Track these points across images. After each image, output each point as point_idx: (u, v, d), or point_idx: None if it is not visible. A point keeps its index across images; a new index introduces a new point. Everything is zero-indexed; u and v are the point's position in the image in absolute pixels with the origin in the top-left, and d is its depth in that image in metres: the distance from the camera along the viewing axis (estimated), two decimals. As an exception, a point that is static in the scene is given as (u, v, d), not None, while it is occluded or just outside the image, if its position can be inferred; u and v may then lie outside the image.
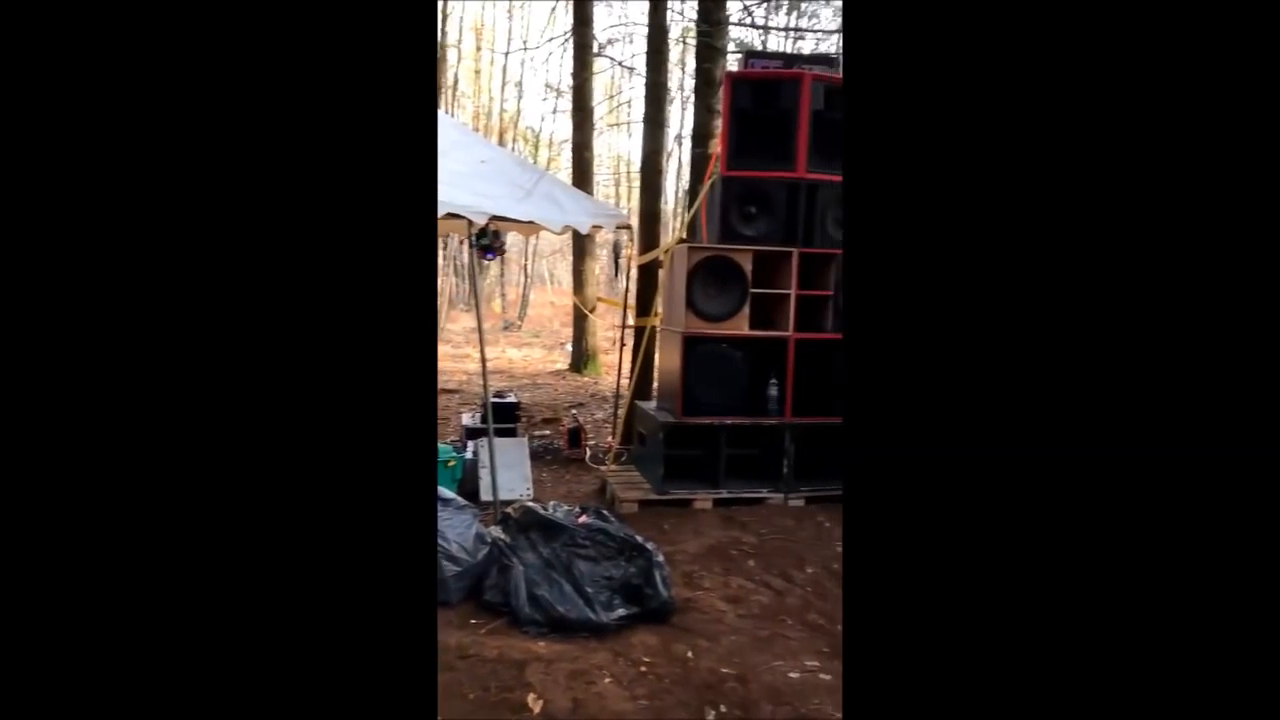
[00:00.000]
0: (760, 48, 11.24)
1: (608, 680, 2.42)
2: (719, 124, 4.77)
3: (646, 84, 5.33)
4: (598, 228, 5.37)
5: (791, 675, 2.51)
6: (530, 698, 2.28)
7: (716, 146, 4.49)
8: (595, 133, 10.04)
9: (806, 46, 13.05)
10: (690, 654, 2.62)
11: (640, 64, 5.38)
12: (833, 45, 13.30)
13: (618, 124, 18.72)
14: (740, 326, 4.31)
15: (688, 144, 6.70)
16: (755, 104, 4.43)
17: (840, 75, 4.55)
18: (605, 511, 3.37)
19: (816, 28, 11.53)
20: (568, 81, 10.83)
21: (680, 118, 14.90)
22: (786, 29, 11.37)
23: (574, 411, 6.84)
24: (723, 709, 2.28)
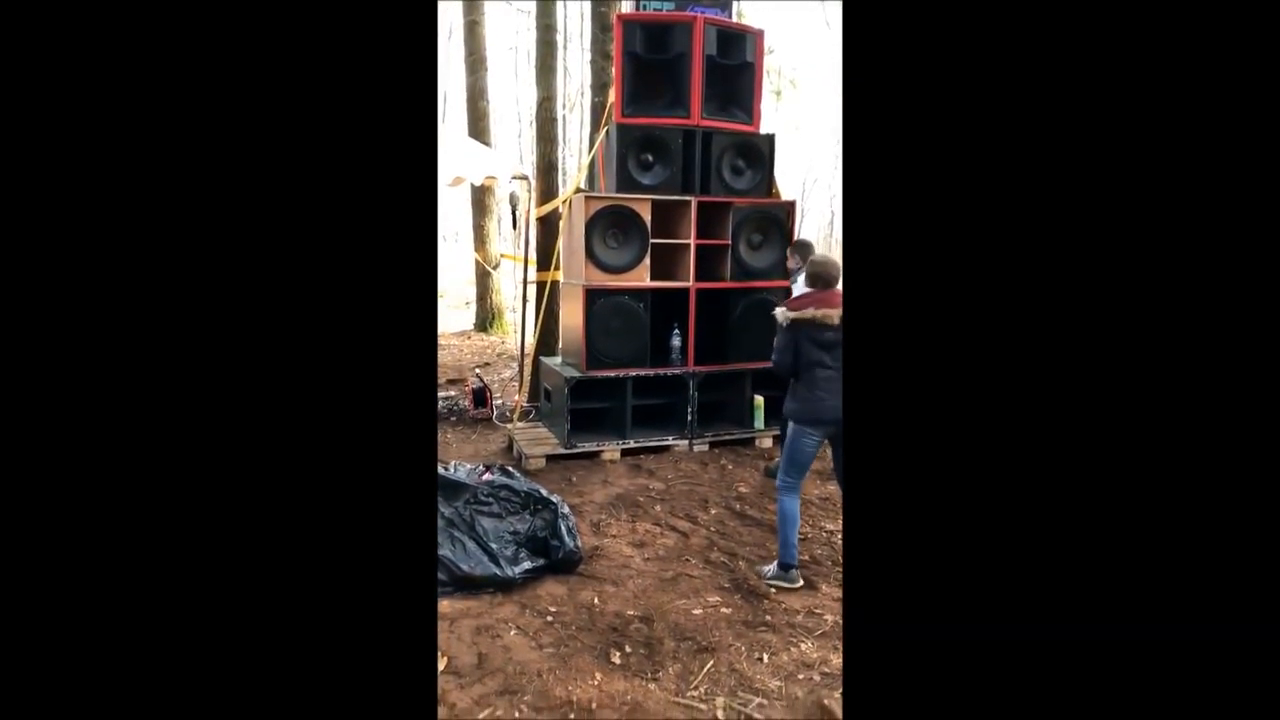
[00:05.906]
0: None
1: (513, 633, 2.43)
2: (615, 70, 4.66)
3: (536, 27, 5.11)
4: (492, 179, 5.19)
5: (695, 612, 2.59)
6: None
7: (613, 94, 4.38)
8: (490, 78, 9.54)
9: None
10: (596, 600, 2.67)
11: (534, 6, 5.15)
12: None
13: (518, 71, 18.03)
14: (641, 278, 4.30)
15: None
16: (648, 48, 4.34)
17: (732, 20, 4.52)
18: (510, 468, 3.34)
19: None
20: (458, 22, 10.20)
21: (582, 65, 14.47)
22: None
23: (478, 371, 6.70)
24: (627, 649, 2.34)
